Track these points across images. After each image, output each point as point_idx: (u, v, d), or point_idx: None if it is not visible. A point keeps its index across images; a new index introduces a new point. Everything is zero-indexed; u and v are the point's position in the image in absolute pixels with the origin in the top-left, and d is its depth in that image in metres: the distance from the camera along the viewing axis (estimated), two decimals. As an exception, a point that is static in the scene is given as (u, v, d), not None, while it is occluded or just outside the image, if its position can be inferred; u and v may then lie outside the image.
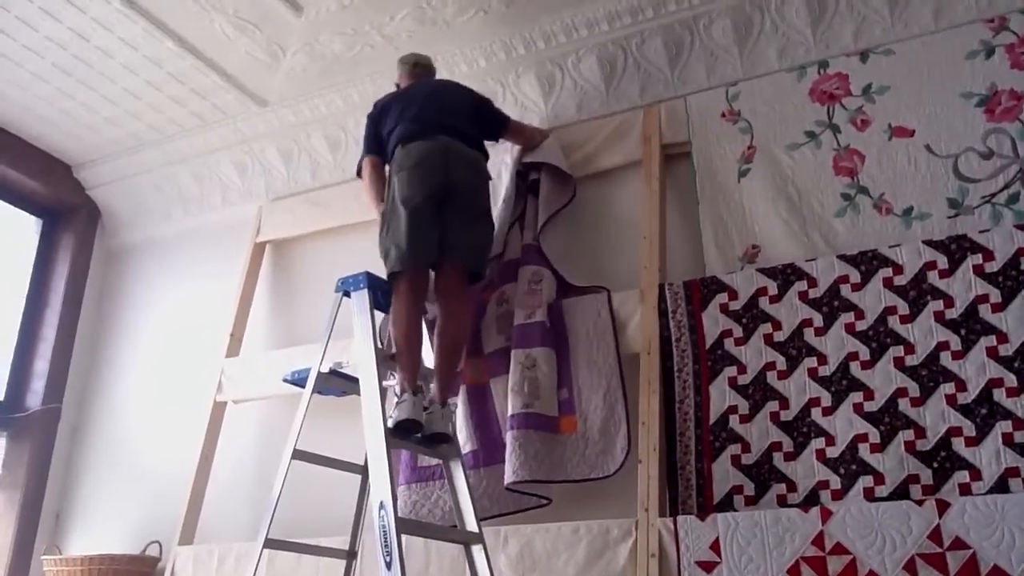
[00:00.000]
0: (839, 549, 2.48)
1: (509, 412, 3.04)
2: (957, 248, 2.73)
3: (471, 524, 2.72)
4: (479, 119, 3.24)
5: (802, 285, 2.91)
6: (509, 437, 3.00)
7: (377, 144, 3.20)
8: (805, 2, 3.21)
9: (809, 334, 2.85)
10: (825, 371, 2.78)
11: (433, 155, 2.92)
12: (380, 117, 3.21)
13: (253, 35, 3.70)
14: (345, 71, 3.88)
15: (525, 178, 3.50)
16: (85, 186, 4.72)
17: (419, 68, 3.39)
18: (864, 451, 2.64)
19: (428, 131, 2.99)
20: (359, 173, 3.28)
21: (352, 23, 3.63)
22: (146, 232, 4.68)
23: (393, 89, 3.42)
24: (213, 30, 3.67)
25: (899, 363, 2.69)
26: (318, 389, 2.95)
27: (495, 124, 3.34)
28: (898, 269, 2.79)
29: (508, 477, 2.94)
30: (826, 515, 2.53)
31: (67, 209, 4.72)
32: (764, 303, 2.95)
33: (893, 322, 2.74)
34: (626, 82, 3.55)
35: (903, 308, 2.74)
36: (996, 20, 2.96)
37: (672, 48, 3.45)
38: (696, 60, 3.43)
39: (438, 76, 3.50)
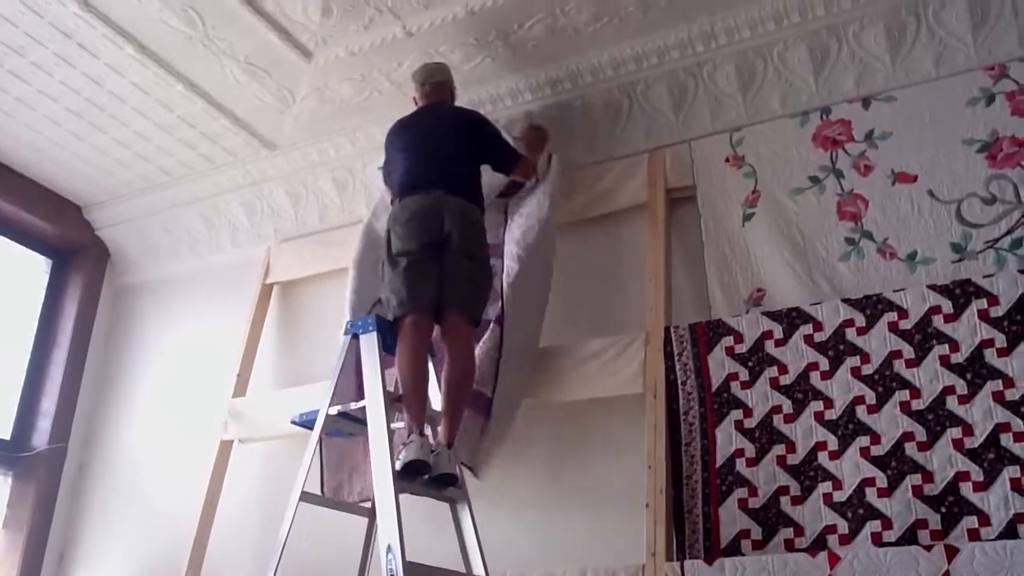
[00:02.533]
0: (847, 595, 2.47)
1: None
2: (961, 293, 2.75)
3: (478, 568, 2.71)
4: (484, 155, 3.28)
5: (807, 329, 2.93)
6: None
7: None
8: (807, 49, 3.26)
9: (815, 378, 2.86)
10: (831, 415, 2.79)
11: (427, 210, 2.98)
12: (387, 150, 3.32)
13: (263, 80, 3.76)
14: (354, 116, 3.93)
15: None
16: (95, 227, 4.76)
17: (427, 87, 3.38)
18: (871, 495, 2.64)
19: (423, 185, 3.05)
20: None
21: (361, 69, 3.68)
22: (155, 273, 4.71)
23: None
24: (224, 75, 3.72)
25: (905, 407, 2.70)
26: (327, 431, 2.96)
27: (502, 164, 3.36)
28: (903, 313, 2.80)
29: None
30: (834, 560, 2.52)
31: (76, 249, 4.76)
32: (770, 346, 2.96)
33: (899, 366, 2.76)
34: (631, 127, 3.60)
35: (908, 352, 2.76)
36: (996, 68, 3.00)
37: (676, 94, 3.50)
38: (700, 105, 3.48)
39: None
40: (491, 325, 3.17)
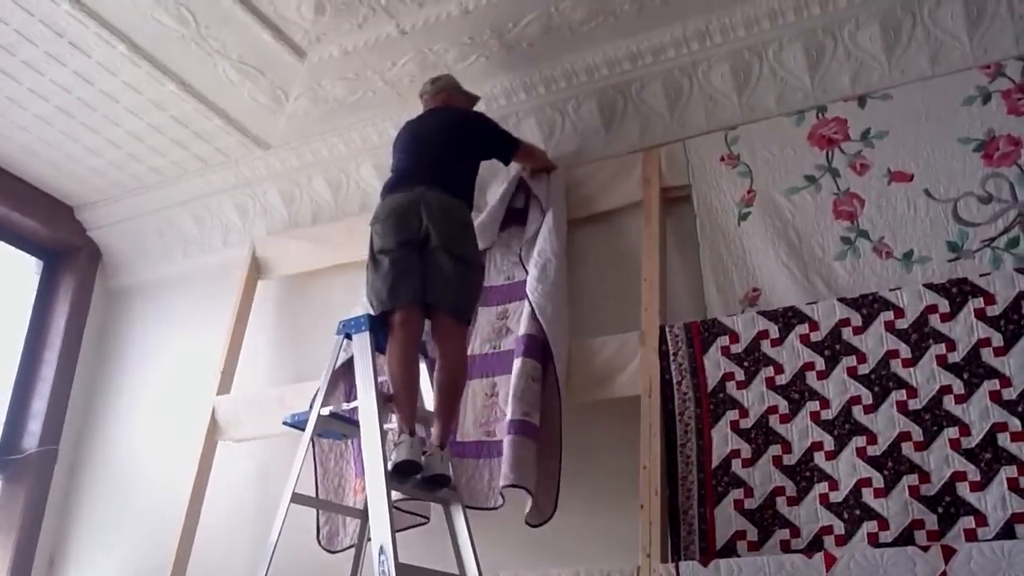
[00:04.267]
0: (844, 596, 2.45)
1: (509, 417, 3.02)
2: (958, 292, 2.73)
3: (471, 570, 2.69)
4: (481, 149, 3.28)
5: (803, 328, 2.91)
6: (507, 440, 2.98)
7: None
8: (803, 48, 3.25)
9: (811, 378, 2.84)
10: (827, 415, 2.77)
11: (407, 206, 2.97)
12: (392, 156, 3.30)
13: (256, 79, 3.74)
14: (347, 115, 3.92)
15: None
16: (86, 227, 4.73)
17: (425, 96, 3.43)
18: (868, 496, 2.62)
19: (405, 182, 3.05)
20: None
21: (354, 68, 3.66)
22: (147, 274, 4.68)
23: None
24: (216, 74, 3.70)
25: (902, 407, 2.68)
26: (318, 432, 2.93)
27: (502, 149, 3.38)
28: (899, 313, 2.78)
29: (505, 479, 2.92)
30: (831, 561, 2.50)
31: (68, 250, 4.73)
32: (766, 346, 2.94)
33: (895, 366, 2.73)
34: (626, 126, 3.59)
35: (905, 352, 2.74)
36: (992, 67, 2.99)
37: (671, 93, 3.48)
38: (695, 105, 3.46)
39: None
40: (523, 356, 3.13)
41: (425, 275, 2.91)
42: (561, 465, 3.00)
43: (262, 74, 3.71)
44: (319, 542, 3.33)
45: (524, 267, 3.41)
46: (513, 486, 2.90)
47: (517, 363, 3.12)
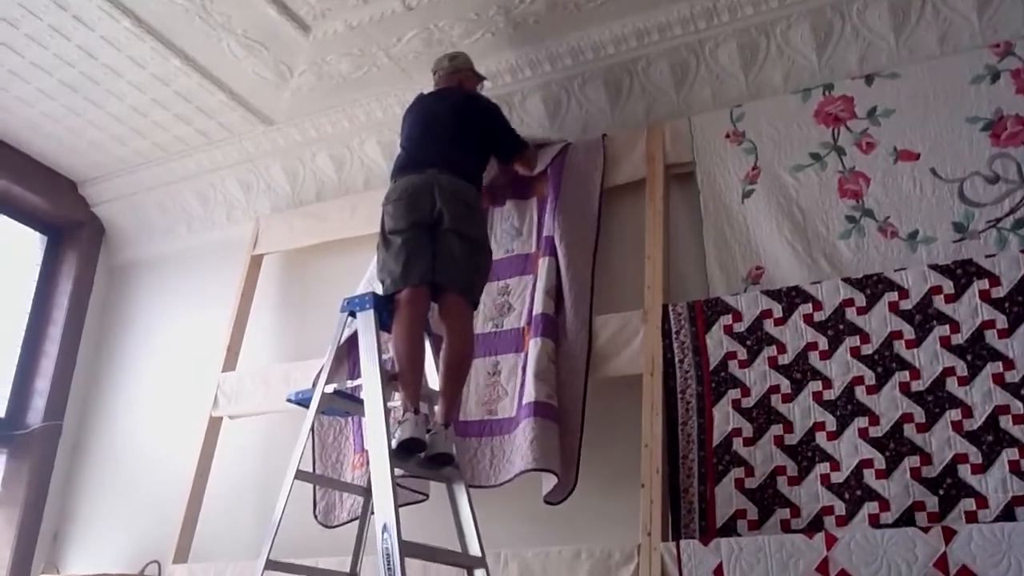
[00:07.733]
0: (844, 576, 2.46)
1: (533, 398, 3.01)
2: (963, 273, 2.72)
3: (474, 548, 2.70)
4: (488, 141, 3.27)
5: (807, 308, 2.90)
6: (530, 423, 2.97)
7: None
8: (810, 27, 3.23)
9: (814, 357, 2.84)
10: (830, 395, 2.77)
11: (418, 188, 2.97)
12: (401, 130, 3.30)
13: (260, 54, 3.72)
14: (351, 91, 3.90)
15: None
16: (90, 203, 4.73)
17: (438, 75, 3.40)
18: (869, 477, 2.62)
19: (417, 164, 3.05)
20: None
21: (359, 44, 3.64)
22: (150, 249, 4.69)
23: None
24: (221, 49, 3.68)
25: (905, 388, 2.68)
26: (322, 409, 2.94)
27: (506, 150, 3.39)
28: (904, 293, 2.78)
29: (533, 463, 2.91)
30: (831, 541, 2.51)
31: (72, 225, 4.74)
32: (769, 325, 2.94)
33: (899, 347, 2.73)
34: (631, 105, 3.57)
35: (909, 333, 2.73)
36: (1001, 46, 2.96)
37: (678, 71, 3.46)
38: (702, 83, 3.44)
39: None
40: (541, 336, 3.12)
41: (435, 256, 2.91)
42: (582, 441, 3.00)
43: (266, 49, 3.69)
44: (315, 517, 3.35)
45: (538, 240, 3.39)
46: (540, 470, 2.91)
47: (536, 343, 3.11)
